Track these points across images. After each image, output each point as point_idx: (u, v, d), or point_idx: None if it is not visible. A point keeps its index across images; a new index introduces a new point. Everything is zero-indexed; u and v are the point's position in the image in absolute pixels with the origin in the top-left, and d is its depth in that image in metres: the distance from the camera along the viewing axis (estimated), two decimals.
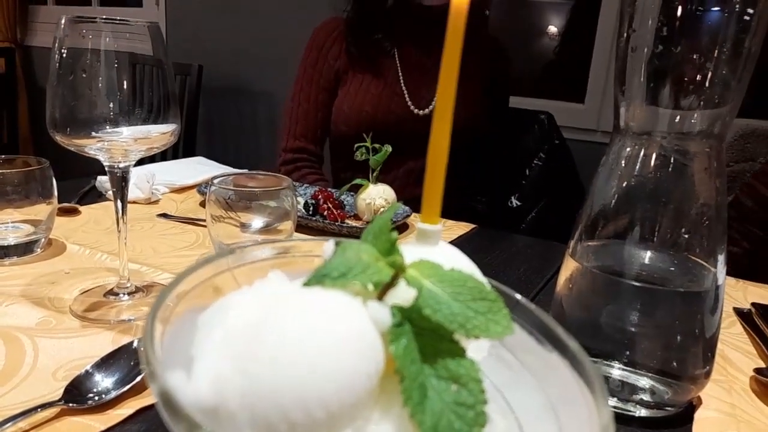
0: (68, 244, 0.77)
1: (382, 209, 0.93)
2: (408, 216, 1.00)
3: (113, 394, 0.45)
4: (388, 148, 0.93)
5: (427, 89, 1.27)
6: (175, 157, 1.88)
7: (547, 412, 0.23)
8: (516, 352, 0.26)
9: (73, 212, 0.90)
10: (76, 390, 0.45)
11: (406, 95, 1.25)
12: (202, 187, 1.02)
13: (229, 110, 2.59)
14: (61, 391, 0.44)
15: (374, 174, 0.94)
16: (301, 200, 1.05)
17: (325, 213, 0.94)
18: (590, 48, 2.04)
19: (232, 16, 2.49)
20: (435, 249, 0.25)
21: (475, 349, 0.23)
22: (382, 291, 0.23)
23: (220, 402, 0.18)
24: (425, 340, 0.21)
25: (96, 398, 0.44)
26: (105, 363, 0.47)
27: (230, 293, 0.21)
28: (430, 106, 1.28)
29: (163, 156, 1.99)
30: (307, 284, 0.20)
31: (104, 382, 0.46)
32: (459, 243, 0.95)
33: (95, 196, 1.00)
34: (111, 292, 0.62)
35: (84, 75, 0.53)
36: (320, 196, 0.97)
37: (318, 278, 0.20)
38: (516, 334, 0.27)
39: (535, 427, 0.23)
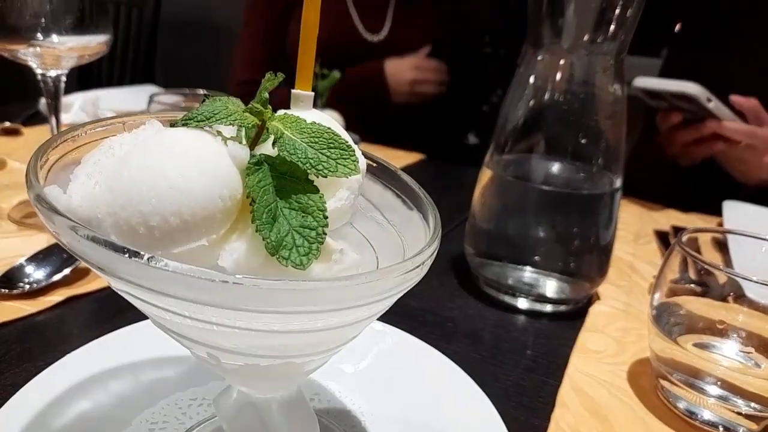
0: (9, 161, 0.77)
1: None
2: (357, 144, 1.02)
3: (44, 282, 0.47)
4: (336, 74, 0.94)
5: (380, 12, 1.24)
6: None
7: (399, 253, 0.27)
8: (385, 212, 0.30)
9: (15, 133, 0.89)
10: (9, 279, 0.47)
11: (357, 19, 1.23)
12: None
13: (189, 43, 2.52)
14: None
15: (322, 99, 0.95)
16: None
17: None
18: None
19: None
20: (307, 112, 0.27)
21: (336, 198, 0.26)
22: (252, 142, 0.25)
23: (90, 212, 0.21)
24: (283, 180, 0.24)
25: (28, 286, 0.47)
26: (38, 257, 0.50)
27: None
28: (383, 32, 1.27)
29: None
30: (173, 125, 0.23)
31: (36, 273, 0.48)
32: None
33: (40, 119, 1.00)
34: None
35: None
36: None
37: (184, 120, 0.23)
38: (386, 197, 0.30)
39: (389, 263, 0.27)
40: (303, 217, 0.23)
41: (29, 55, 0.57)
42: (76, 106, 0.94)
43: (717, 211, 0.84)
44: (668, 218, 0.87)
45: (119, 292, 0.22)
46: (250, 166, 0.23)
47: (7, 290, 0.46)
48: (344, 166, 0.24)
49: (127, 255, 0.18)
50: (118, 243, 0.18)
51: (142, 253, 0.18)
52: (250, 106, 0.24)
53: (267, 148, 0.25)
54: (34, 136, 0.90)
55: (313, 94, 0.28)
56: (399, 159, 1.02)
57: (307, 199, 0.23)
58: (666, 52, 0.89)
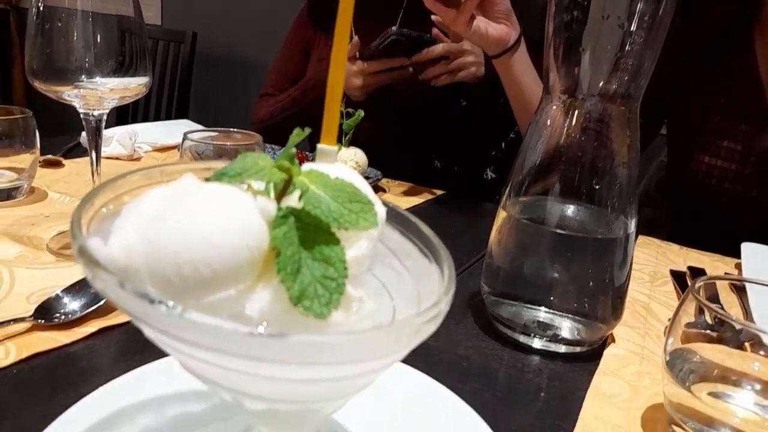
0: (50, 192, 0.82)
1: None
2: (379, 179, 1.04)
3: (79, 314, 0.50)
4: (361, 113, 0.97)
5: None
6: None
7: (415, 302, 0.28)
8: (402, 259, 0.32)
9: (57, 164, 0.94)
10: (46, 310, 0.50)
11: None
12: None
13: (222, 79, 2.62)
14: (33, 310, 0.49)
15: (346, 137, 0.98)
16: None
17: None
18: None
19: None
20: (331, 166, 0.30)
21: (356, 247, 0.28)
22: (279, 195, 0.27)
23: (128, 262, 0.23)
24: (307, 231, 0.26)
25: (63, 317, 0.49)
26: (74, 288, 0.52)
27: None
28: None
29: (155, 120, 2.02)
30: (207, 180, 0.25)
31: (72, 304, 0.51)
32: (423, 207, 1.00)
33: (80, 151, 1.05)
34: None
35: (59, 25, 0.57)
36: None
37: (217, 176, 0.25)
38: (403, 245, 0.32)
39: (405, 311, 0.28)
40: (325, 267, 0.25)
41: (73, 97, 0.61)
42: (114, 140, 0.98)
43: (735, 251, 0.84)
44: (685, 258, 0.86)
45: (151, 339, 0.24)
46: (276, 219, 0.25)
47: (43, 321, 0.48)
48: (364, 219, 0.26)
49: (162, 306, 0.20)
50: (154, 295, 0.20)
51: (173, 305, 0.20)
52: (278, 162, 0.27)
53: (293, 200, 0.27)
54: (74, 167, 0.95)
55: (336, 149, 0.30)
56: (420, 195, 1.04)
57: (329, 251, 0.25)
58: None
